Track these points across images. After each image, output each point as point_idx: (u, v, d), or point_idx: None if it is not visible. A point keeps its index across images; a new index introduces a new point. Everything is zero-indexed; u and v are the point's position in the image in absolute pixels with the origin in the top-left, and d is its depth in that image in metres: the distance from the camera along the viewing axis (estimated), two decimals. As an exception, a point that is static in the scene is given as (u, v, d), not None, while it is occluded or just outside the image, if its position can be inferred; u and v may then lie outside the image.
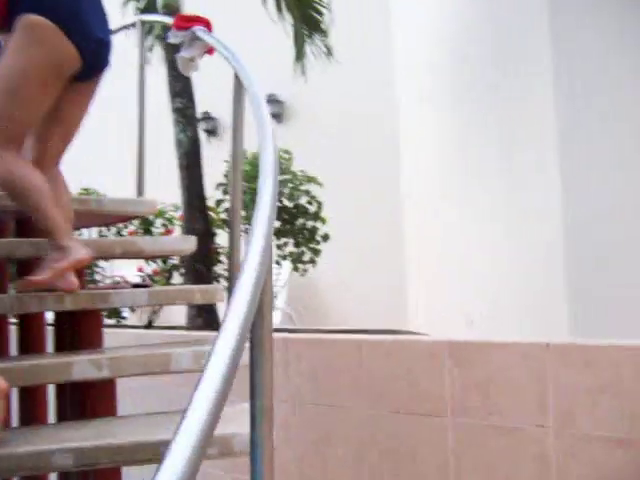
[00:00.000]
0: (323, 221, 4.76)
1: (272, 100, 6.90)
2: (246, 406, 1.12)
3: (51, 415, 2.26)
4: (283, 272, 5.89)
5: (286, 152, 4.77)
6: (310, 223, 4.72)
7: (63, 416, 2.08)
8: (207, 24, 2.33)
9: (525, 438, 2.24)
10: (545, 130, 4.39)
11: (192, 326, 3.99)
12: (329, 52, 4.99)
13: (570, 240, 4.26)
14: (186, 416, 0.71)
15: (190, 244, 2.33)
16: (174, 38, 2.36)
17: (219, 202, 4.70)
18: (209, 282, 3.96)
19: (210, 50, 2.32)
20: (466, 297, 4.87)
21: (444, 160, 5.27)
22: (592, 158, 4.31)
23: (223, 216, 4.66)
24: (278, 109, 7.06)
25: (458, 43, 5.10)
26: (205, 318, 3.97)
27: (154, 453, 1.49)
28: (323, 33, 4.95)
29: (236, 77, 2.04)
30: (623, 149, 4.30)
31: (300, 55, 4.90)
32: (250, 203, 3.65)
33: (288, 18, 4.87)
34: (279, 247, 4.70)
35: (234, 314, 0.81)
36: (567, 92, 4.30)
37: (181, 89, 4.22)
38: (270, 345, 1.04)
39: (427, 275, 5.33)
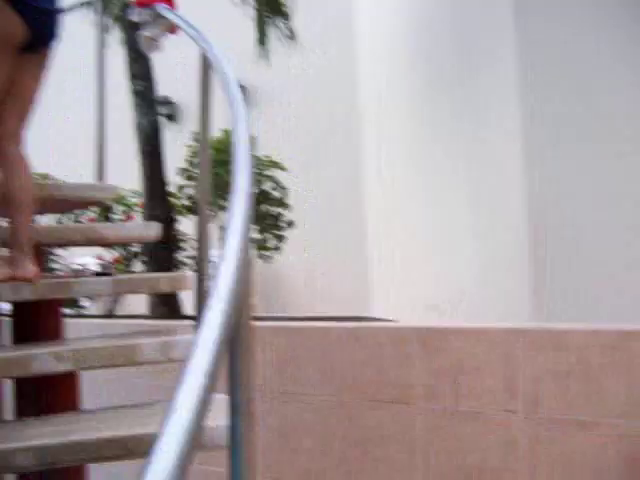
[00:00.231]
0: (286, 207, 4.72)
1: (241, 86, 6.78)
2: (223, 397, 1.07)
3: (9, 412, 2.18)
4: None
5: (254, 138, 4.69)
6: (275, 209, 4.67)
7: (22, 413, 2.00)
8: (170, 2, 2.26)
9: (494, 423, 2.24)
10: (510, 116, 4.41)
11: (155, 315, 3.91)
12: (292, 36, 4.93)
13: (534, 224, 4.29)
14: (173, 411, 0.67)
15: (155, 230, 2.26)
16: (136, 16, 2.28)
17: (181, 188, 4.62)
18: (171, 269, 3.89)
19: (173, 29, 2.24)
20: (431, 283, 4.89)
21: (407, 147, 5.26)
22: (556, 143, 4.34)
23: (185, 202, 4.58)
24: (242, 94, 6.95)
25: (421, 25, 5.08)
26: (168, 306, 3.90)
27: (122, 449, 1.43)
28: (286, 17, 4.88)
29: (203, 58, 1.97)
30: (587, 132, 4.33)
31: (262, 39, 4.82)
32: (215, 189, 3.57)
33: (250, 1, 4.79)
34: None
35: (218, 304, 0.76)
36: (531, 75, 4.31)
37: (141, 71, 4.12)
38: (250, 335, 0.99)
39: (392, 262, 5.33)
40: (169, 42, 2.36)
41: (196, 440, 0.68)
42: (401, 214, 5.18)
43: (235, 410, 1.01)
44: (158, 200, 4.04)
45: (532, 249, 4.27)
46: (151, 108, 4.17)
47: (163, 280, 2.14)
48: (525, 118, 4.33)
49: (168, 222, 4.03)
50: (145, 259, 4.20)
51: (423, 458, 2.37)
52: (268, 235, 4.70)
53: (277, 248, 4.76)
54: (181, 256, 4.39)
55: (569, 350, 2.15)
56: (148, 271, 4.03)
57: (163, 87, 5.20)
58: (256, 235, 4.72)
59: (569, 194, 4.30)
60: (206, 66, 1.98)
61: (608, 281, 4.19)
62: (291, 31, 4.87)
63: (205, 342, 0.72)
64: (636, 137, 4.28)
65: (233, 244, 0.89)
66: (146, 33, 2.24)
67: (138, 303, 4.26)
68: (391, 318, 3.49)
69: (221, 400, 1.05)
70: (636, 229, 4.22)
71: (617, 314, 3.75)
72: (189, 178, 4.45)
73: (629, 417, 2.05)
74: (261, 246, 4.73)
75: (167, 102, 7.34)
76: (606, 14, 4.51)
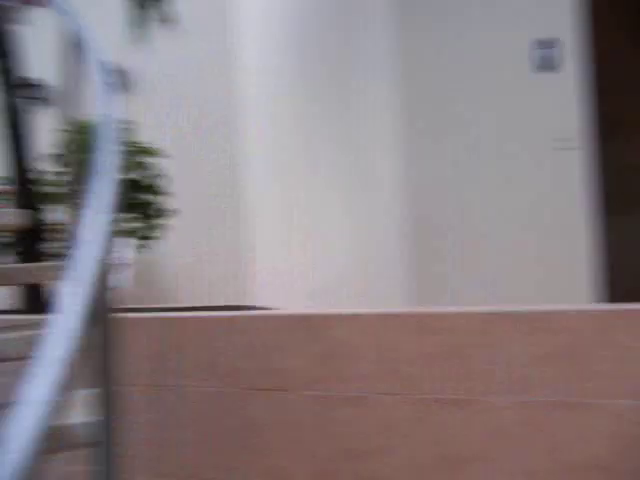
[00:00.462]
0: (163, 194, 4.59)
1: (112, 69, 6.53)
2: (87, 393, 1.03)
3: None
4: (127, 250, 5.64)
5: (127, 123, 4.53)
6: (151, 197, 4.54)
7: None
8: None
9: (374, 406, 2.29)
10: (386, 102, 4.50)
11: (15, 308, 3.71)
12: (170, 19, 4.79)
13: (411, 209, 4.41)
14: (24, 408, 0.62)
15: (25, 218, 2.14)
16: None
17: (49, 174, 4.40)
18: (37, 260, 3.69)
19: (37, 0, 2.12)
20: (311, 269, 4.93)
21: (285, 132, 5.26)
22: (431, 130, 4.47)
23: (52, 190, 4.37)
24: (119, 78, 6.72)
25: (301, 15, 5.08)
26: (29, 299, 3.69)
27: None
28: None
29: (72, 38, 1.87)
30: (462, 121, 4.49)
31: (136, 21, 4.65)
32: (82, 175, 3.42)
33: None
34: (120, 223, 4.48)
35: (73, 295, 0.72)
36: (407, 65, 4.42)
37: (4, 49, 3.86)
38: (114, 327, 0.95)
39: (271, 248, 5.33)
40: (46, 22, 2.23)
41: (53, 439, 0.65)
42: (279, 200, 5.18)
43: (102, 405, 0.96)
44: (23, 187, 3.82)
45: (410, 234, 4.39)
46: (17, 90, 3.94)
47: (35, 271, 2.03)
48: (403, 106, 4.44)
49: (34, 210, 3.82)
50: (15, 249, 3.97)
51: (307, 445, 2.39)
52: (144, 223, 4.55)
53: (154, 237, 4.63)
54: (48, 246, 4.18)
55: (440, 332, 2.23)
56: (16, 262, 3.81)
57: (39, 69, 4.93)
58: (132, 224, 4.57)
59: (445, 179, 4.45)
60: (75, 47, 1.89)
61: (479, 266, 4.38)
62: (169, 14, 4.73)
63: (60, 334, 0.68)
64: (500, 125, 4.48)
65: (94, 229, 0.85)
66: (6, 2, 2.10)
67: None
68: (271, 306, 3.49)
69: (87, 395, 1.00)
70: (507, 215, 4.43)
71: (489, 297, 3.93)
72: (58, 164, 4.24)
73: (498, 394, 2.16)
74: (138, 235, 4.58)
75: (35, 84, 6.97)
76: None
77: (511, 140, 4.44)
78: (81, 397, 1.24)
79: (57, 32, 1.96)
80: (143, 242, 4.59)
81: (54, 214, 3.95)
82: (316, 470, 2.38)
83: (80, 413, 1.15)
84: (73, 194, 1.93)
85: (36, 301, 3.68)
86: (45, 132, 4.28)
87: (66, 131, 1.98)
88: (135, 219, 4.51)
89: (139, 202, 4.48)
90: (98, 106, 1.43)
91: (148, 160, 4.50)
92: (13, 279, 2.15)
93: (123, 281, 5.74)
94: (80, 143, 3.90)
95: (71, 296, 0.72)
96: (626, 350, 2.05)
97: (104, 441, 0.98)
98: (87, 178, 2.74)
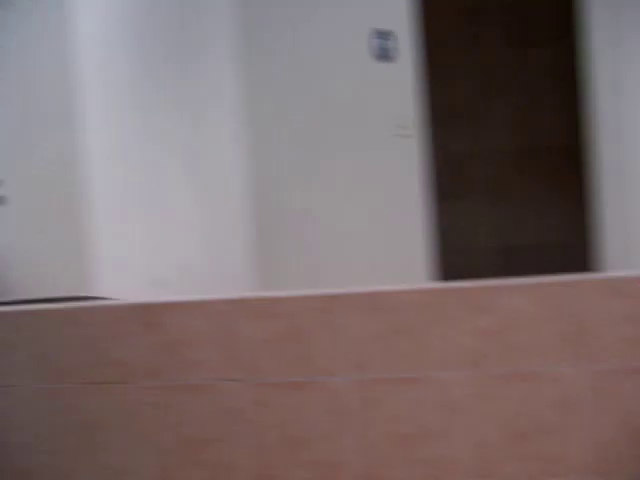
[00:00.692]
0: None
1: None
2: None
3: None
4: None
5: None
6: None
7: None
8: None
9: (216, 393, 2.27)
10: (227, 88, 4.45)
11: None
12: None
13: (255, 193, 4.40)
14: None
15: None
16: None
17: None
18: None
19: None
20: (153, 257, 4.81)
21: (124, 117, 5.09)
22: (274, 114, 4.48)
23: None
24: None
25: (138, 11, 4.93)
26: None
27: None
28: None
29: None
30: (304, 106, 4.52)
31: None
32: None
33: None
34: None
35: None
36: (249, 65, 4.40)
37: None
38: None
39: (112, 236, 5.14)
40: None
41: None
42: (120, 186, 5.01)
43: None
44: None
45: (253, 218, 4.39)
46: None
47: None
48: (243, 91, 4.42)
49: None
50: None
51: (149, 438, 2.33)
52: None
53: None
54: None
55: (281, 317, 2.26)
56: None
57: None
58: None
59: (289, 164, 4.48)
60: None
61: (321, 250, 4.46)
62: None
63: None
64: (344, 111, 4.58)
65: None
66: None
67: None
68: (111, 296, 3.38)
69: None
70: (349, 199, 4.54)
71: (331, 280, 4.02)
72: None
73: (338, 374, 2.22)
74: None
75: None
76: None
77: (353, 127, 4.56)
78: None
79: None
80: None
81: None
82: (160, 463, 2.33)
83: None
84: None
85: None
86: None
87: None
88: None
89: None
90: None
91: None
92: None
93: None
94: None
95: None
96: (456, 323, 2.18)
97: None
98: None
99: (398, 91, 4.64)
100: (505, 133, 6.21)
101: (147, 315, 2.35)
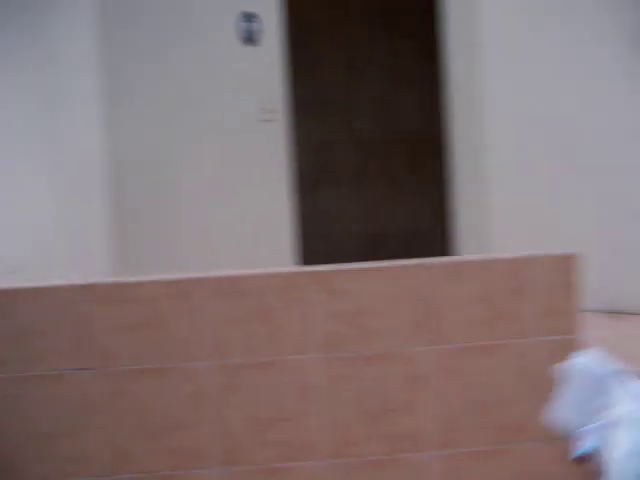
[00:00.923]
0: None
1: None
2: None
3: None
4: None
5: None
6: None
7: None
8: None
9: (68, 384, 2.20)
10: (86, 81, 4.27)
11: None
12: None
13: (115, 175, 4.26)
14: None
15: None
16: None
17: None
18: None
19: None
20: (8, 244, 4.56)
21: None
22: (134, 95, 4.34)
23: None
24: None
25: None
26: None
27: None
28: None
29: None
30: (169, 87, 4.39)
31: None
32: None
33: None
34: None
35: None
36: (110, 48, 4.22)
37: None
38: None
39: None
40: None
41: None
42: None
43: None
44: None
45: (112, 203, 4.25)
46: None
47: None
48: (102, 71, 4.25)
49: None
50: None
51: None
52: None
53: None
54: None
55: (139, 302, 2.20)
56: None
57: None
58: None
59: (150, 146, 4.36)
60: None
61: (184, 234, 4.40)
62: None
63: None
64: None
65: None
66: None
67: None
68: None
69: None
70: (215, 184, 4.48)
71: (192, 265, 3.97)
72: None
73: (197, 360, 2.20)
74: None
75: None
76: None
77: (219, 110, 4.49)
78: None
79: None
80: None
81: None
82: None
83: None
84: None
85: None
86: None
87: None
88: None
89: None
90: None
91: None
92: None
93: None
94: None
95: None
96: (311, 307, 2.22)
97: None
98: None
99: (263, 75, 4.62)
100: (371, 120, 6.35)
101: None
